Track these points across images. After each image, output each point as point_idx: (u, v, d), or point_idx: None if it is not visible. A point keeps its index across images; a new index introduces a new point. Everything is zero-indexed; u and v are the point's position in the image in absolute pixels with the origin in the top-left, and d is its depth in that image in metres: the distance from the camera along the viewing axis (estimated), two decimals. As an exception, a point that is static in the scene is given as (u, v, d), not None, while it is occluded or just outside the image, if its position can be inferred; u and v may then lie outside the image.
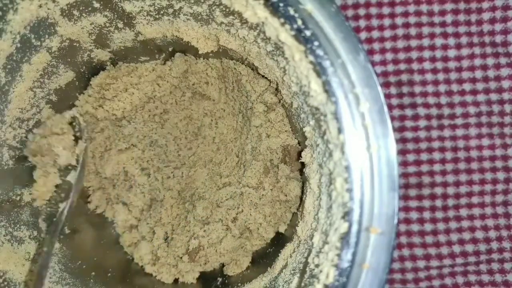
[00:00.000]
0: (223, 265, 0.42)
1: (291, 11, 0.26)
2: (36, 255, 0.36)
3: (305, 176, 0.36)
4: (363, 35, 0.46)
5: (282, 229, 0.41)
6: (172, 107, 0.44)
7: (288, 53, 0.28)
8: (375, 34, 0.47)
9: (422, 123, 0.47)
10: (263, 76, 0.38)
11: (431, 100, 0.47)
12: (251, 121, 0.41)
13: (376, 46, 0.47)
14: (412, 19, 0.46)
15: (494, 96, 0.47)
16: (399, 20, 0.46)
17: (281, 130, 0.41)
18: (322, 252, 0.28)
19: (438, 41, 0.47)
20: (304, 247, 0.32)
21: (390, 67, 0.47)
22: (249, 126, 0.41)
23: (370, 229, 0.26)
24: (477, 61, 0.47)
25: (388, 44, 0.47)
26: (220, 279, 0.41)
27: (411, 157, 0.47)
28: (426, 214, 0.47)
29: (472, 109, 0.47)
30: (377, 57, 0.47)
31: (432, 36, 0.47)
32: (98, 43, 0.37)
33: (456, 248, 0.47)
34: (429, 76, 0.47)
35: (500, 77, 0.47)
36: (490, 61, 0.47)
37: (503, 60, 0.47)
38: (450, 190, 0.47)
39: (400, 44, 0.47)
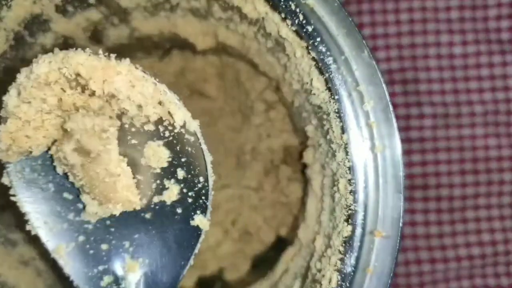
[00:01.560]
0: (222, 269, 0.42)
1: (292, 6, 0.26)
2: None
3: (307, 177, 0.36)
4: (367, 31, 0.46)
5: (283, 232, 0.41)
6: (169, 106, 0.43)
7: (289, 49, 0.27)
8: (379, 30, 0.46)
9: (427, 122, 0.47)
10: (263, 73, 0.38)
11: (436, 98, 0.46)
12: (251, 120, 0.40)
13: (380, 42, 0.46)
14: (416, 15, 0.46)
15: (500, 95, 0.46)
16: (403, 16, 0.46)
17: (282, 130, 0.40)
18: (324, 256, 0.27)
19: (444, 38, 0.46)
20: (306, 251, 0.31)
21: (395, 65, 0.46)
22: (249, 125, 0.41)
23: (375, 232, 0.25)
24: (483, 59, 0.46)
25: (392, 41, 0.46)
26: (219, 284, 0.41)
27: (416, 158, 0.47)
28: (432, 217, 0.47)
29: (478, 108, 0.46)
30: (381, 54, 0.46)
31: (437, 33, 0.46)
32: (93, 40, 0.37)
33: (462, 251, 0.46)
34: (434, 74, 0.46)
35: (506, 75, 0.46)
36: (496, 59, 0.46)
37: (509, 58, 0.46)
38: (456, 192, 0.47)
39: (405, 41, 0.46)
